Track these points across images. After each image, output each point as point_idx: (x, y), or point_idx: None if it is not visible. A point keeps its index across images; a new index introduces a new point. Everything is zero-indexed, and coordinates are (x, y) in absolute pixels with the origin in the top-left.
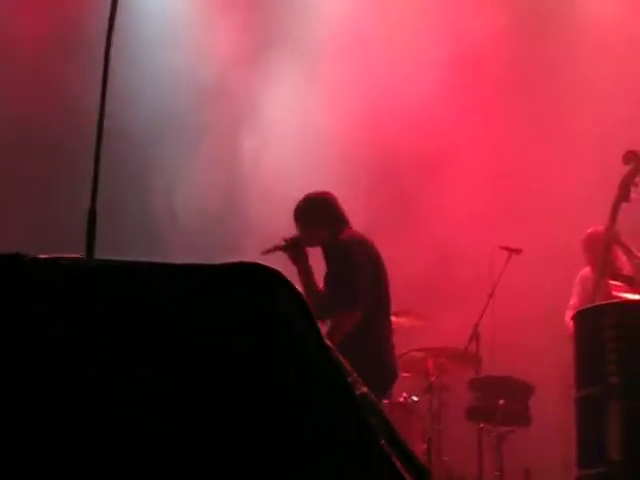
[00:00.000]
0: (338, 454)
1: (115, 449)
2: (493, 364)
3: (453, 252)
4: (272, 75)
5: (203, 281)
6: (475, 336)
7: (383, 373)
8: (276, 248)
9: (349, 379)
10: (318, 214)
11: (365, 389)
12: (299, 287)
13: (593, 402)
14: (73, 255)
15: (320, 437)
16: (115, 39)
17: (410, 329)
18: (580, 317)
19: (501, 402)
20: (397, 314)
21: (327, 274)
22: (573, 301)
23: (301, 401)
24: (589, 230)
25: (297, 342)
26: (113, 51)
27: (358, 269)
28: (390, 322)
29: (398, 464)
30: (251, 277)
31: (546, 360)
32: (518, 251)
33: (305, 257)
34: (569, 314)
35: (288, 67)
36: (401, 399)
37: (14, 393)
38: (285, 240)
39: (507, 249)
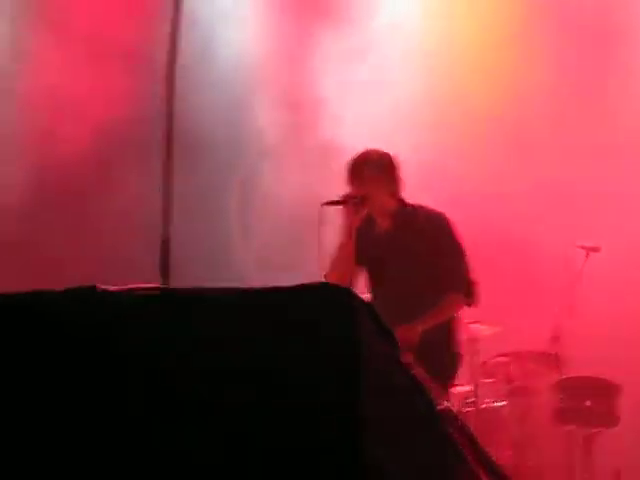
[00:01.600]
0: (427, 473)
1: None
2: (577, 365)
3: (529, 251)
4: None
5: (275, 308)
6: (556, 338)
7: (457, 360)
8: (341, 201)
9: (431, 396)
10: (393, 175)
11: (446, 403)
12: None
13: None
14: (148, 285)
15: (409, 459)
16: None
17: (491, 335)
18: None
19: (587, 403)
20: (479, 321)
21: (417, 250)
22: None
23: (391, 428)
24: None
25: (379, 367)
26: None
27: (463, 252)
28: None
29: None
30: (323, 299)
31: (631, 359)
32: (596, 249)
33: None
34: None
35: None
36: (486, 405)
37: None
38: (352, 196)
39: (584, 248)
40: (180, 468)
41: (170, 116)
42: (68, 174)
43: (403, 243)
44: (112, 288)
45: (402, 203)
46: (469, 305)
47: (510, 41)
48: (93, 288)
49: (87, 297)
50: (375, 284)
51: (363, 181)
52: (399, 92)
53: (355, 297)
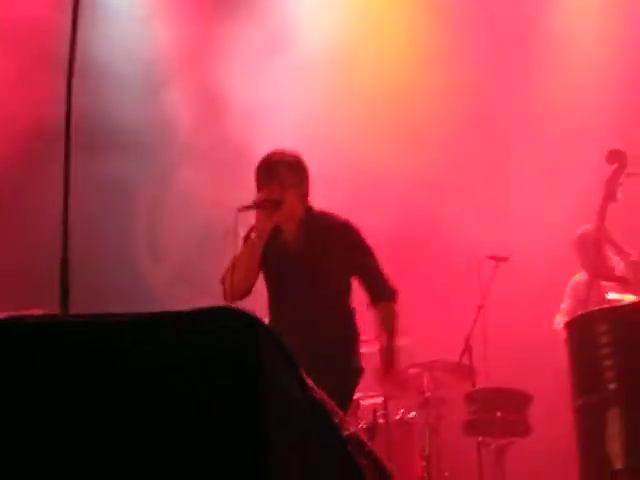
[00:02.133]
0: None
1: None
2: (488, 376)
3: (438, 261)
4: None
5: (173, 332)
6: (468, 348)
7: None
8: (256, 205)
9: (336, 421)
10: (306, 178)
11: (352, 429)
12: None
13: (592, 411)
14: (37, 312)
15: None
16: None
17: (402, 347)
18: (573, 325)
19: (498, 414)
20: None
21: (335, 257)
22: (565, 306)
23: (289, 443)
24: (578, 231)
25: (282, 392)
26: None
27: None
28: None
29: None
30: (224, 323)
31: (542, 368)
32: (505, 259)
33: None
34: (559, 318)
35: None
36: (398, 416)
37: None
38: (268, 200)
39: (494, 258)
40: None
41: (68, 114)
42: None
43: (312, 252)
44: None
45: (310, 209)
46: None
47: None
48: None
49: None
50: (277, 296)
51: (278, 183)
52: (315, 84)
53: (259, 324)
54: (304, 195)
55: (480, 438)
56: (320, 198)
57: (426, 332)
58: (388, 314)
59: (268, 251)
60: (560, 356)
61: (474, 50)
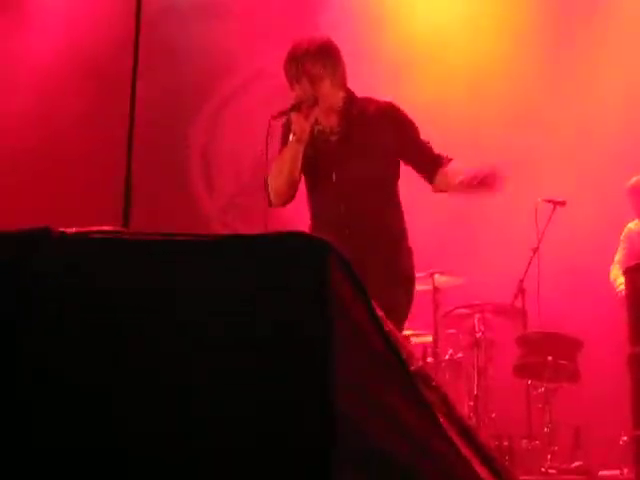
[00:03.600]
0: (398, 433)
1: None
2: (540, 320)
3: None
4: None
5: (246, 255)
6: (521, 291)
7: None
8: (291, 109)
9: (404, 355)
10: (338, 63)
11: (420, 363)
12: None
13: None
14: (106, 229)
15: (380, 416)
16: None
17: (454, 288)
18: (632, 272)
19: (549, 358)
20: (441, 273)
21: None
22: (619, 256)
23: (359, 382)
24: (632, 180)
25: (352, 322)
26: None
27: None
28: None
29: (457, 440)
30: (299, 250)
31: (594, 315)
32: (562, 203)
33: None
34: (614, 270)
35: None
36: (447, 356)
37: (41, 376)
38: (303, 101)
39: (551, 202)
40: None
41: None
42: None
43: (355, 143)
44: (69, 230)
45: (350, 96)
46: None
47: None
48: (47, 230)
49: (41, 240)
50: (320, 194)
51: (308, 79)
52: None
53: (331, 250)
54: (340, 83)
55: (529, 381)
56: None
57: (480, 273)
58: (453, 171)
59: (310, 151)
60: (612, 305)
61: None
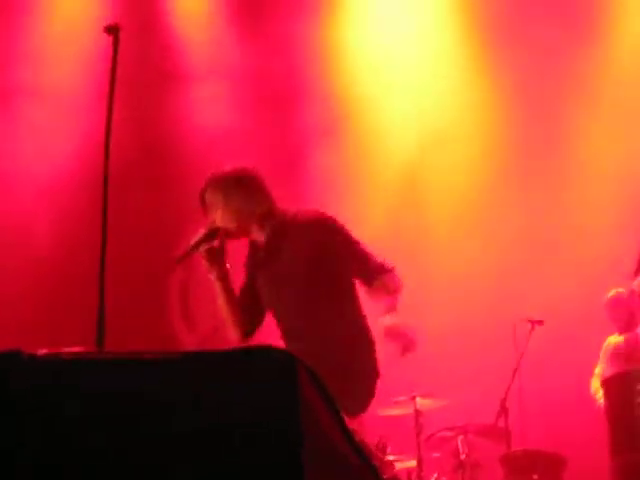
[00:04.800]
0: None
1: None
2: (524, 438)
3: (473, 325)
4: None
5: (213, 371)
6: (503, 411)
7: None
8: (195, 247)
9: (376, 464)
10: (233, 191)
11: (392, 472)
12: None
13: (631, 469)
14: (77, 349)
15: None
16: None
17: (436, 410)
18: (611, 383)
19: (534, 477)
20: (422, 396)
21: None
22: (599, 369)
23: None
24: (610, 293)
25: (321, 432)
26: None
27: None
28: None
29: None
30: (263, 362)
31: (578, 430)
32: (540, 322)
33: (225, 256)
34: (595, 383)
35: None
36: None
37: None
38: (207, 233)
39: (530, 321)
40: None
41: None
42: None
43: (285, 255)
44: (40, 352)
45: (271, 214)
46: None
47: None
48: (18, 352)
49: (12, 362)
50: (278, 323)
51: (205, 212)
52: None
53: (298, 363)
54: (238, 210)
55: None
56: None
57: (461, 395)
58: (391, 279)
59: (254, 271)
60: (595, 419)
61: None
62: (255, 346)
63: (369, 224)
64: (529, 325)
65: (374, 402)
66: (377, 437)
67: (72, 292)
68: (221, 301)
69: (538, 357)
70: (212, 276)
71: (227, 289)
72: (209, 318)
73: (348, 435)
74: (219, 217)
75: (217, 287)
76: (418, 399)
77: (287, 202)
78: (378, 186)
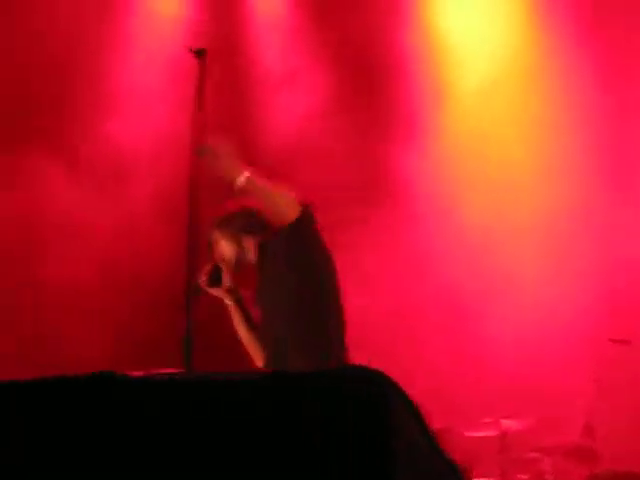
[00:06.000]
0: None
1: None
2: (612, 459)
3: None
4: None
5: (311, 390)
6: (589, 430)
7: None
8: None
9: (459, 469)
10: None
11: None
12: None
13: None
14: (168, 371)
15: None
16: None
17: (522, 431)
18: None
19: None
20: (508, 417)
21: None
22: None
23: None
24: None
25: (411, 441)
26: None
27: None
28: None
29: None
30: (360, 384)
31: None
32: (627, 342)
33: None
34: None
35: None
36: None
37: None
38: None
39: (615, 341)
40: None
41: None
42: None
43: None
44: (132, 374)
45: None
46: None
47: None
48: (112, 374)
49: (106, 383)
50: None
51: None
52: None
53: (387, 379)
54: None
55: None
56: None
57: (547, 414)
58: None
59: None
60: None
61: None
62: (349, 365)
63: None
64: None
65: (459, 423)
66: (461, 459)
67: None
68: (241, 329)
69: (625, 374)
70: (229, 303)
71: (235, 316)
72: None
73: (437, 448)
74: (222, 245)
75: (234, 314)
76: (503, 420)
77: None
78: None
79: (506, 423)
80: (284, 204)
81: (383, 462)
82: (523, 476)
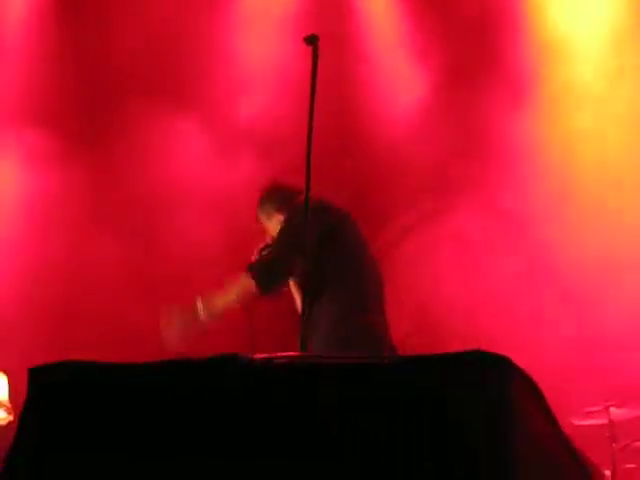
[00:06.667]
0: None
1: None
2: None
3: None
4: None
5: (434, 373)
6: None
7: None
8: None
9: (589, 468)
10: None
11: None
12: None
13: None
14: (289, 354)
15: None
16: None
17: (631, 420)
18: None
19: None
20: (617, 406)
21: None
22: None
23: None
24: None
25: (532, 424)
26: None
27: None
28: None
29: None
30: (481, 367)
31: None
32: None
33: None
34: None
35: None
36: None
37: None
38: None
39: None
40: None
41: None
42: None
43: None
44: (255, 356)
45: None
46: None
47: None
48: (234, 356)
49: (229, 365)
50: None
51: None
52: None
53: (513, 364)
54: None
55: None
56: None
57: None
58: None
59: None
60: None
61: None
62: (469, 350)
63: None
64: None
65: (567, 412)
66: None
67: None
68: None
69: None
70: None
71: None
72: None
73: (561, 435)
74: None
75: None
76: (612, 409)
77: None
78: None
79: (615, 412)
80: (243, 294)
81: (505, 448)
82: (632, 465)
